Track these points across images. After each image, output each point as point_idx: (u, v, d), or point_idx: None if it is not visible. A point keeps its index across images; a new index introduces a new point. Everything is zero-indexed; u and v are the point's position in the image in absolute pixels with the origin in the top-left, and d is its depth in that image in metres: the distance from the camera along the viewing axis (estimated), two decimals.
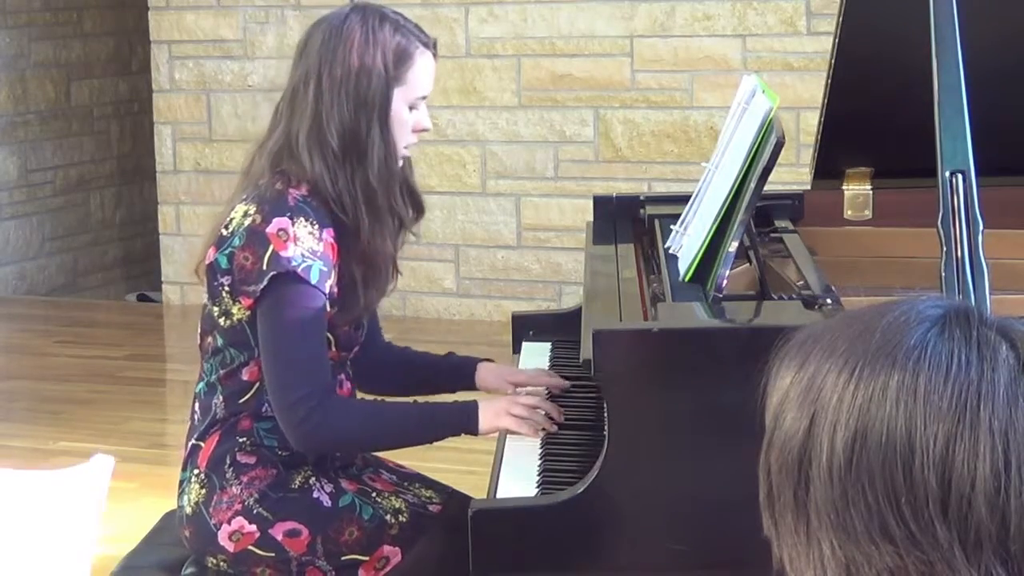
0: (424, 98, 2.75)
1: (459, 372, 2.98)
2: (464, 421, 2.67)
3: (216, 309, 2.69)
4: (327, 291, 2.63)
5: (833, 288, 2.56)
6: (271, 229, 2.60)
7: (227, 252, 2.64)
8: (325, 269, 2.62)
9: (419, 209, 2.85)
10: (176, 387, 6.03)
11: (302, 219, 2.62)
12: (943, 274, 2.30)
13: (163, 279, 7.76)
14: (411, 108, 2.73)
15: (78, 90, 8.60)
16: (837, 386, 1.17)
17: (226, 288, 2.66)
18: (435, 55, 2.76)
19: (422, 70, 2.73)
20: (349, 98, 2.66)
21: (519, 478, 2.52)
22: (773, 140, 2.47)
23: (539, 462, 2.59)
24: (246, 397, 2.70)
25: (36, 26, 8.32)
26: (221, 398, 2.72)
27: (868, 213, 3.25)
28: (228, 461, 2.69)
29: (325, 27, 2.71)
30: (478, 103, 6.99)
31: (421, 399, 2.80)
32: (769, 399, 1.24)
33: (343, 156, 2.66)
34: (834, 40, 3.02)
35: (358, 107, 2.67)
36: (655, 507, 2.33)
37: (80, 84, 8.61)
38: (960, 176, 2.34)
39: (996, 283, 2.35)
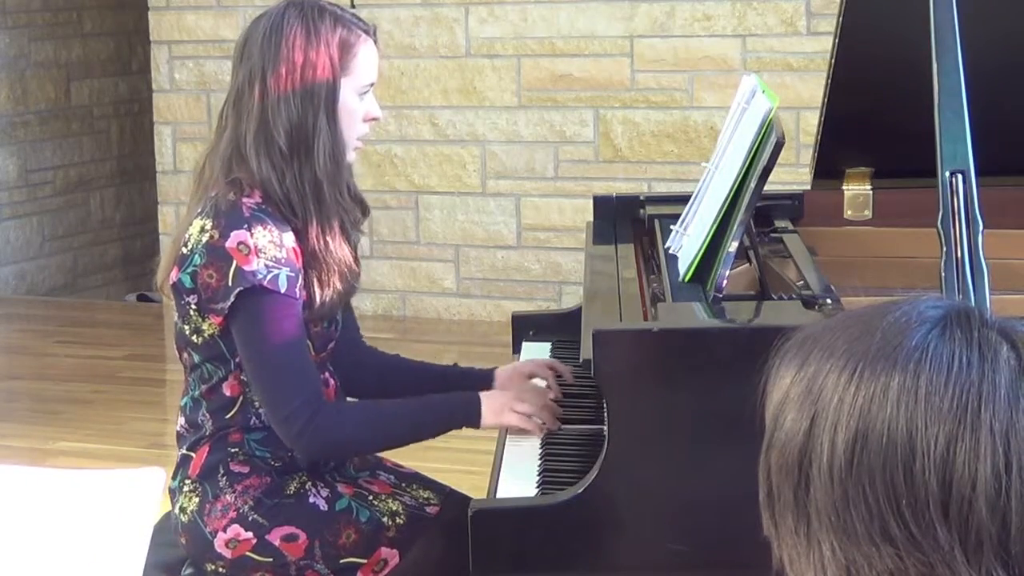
0: (371, 86, 2.72)
1: (473, 381, 2.87)
2: (467, 414, 2.65)
3: (187, 327, 2.66)
4: (298, 295, 2.60)
5: (833, 288, 2.56)
6: (230, 244, 2.56)
7: (189, 271, 2.60)
8: (292, 274, 2.58)
9: (364, 209, 2.82)
10: (176, 387, 5.98)
11: (259, 228, 2.57)
12: (943, 274, 2.30)
13: None
14: (360, 98, 2.71)
15: (78, 90, 8.60)
16: (838, 387, 1.17)
17: (193, 307, 2.62)
18: (376, 42, 2.73)
19: (366, 58, 2.69)
20: (295, 94, 2.62)
21: (519, 478, 2.52)
22: (773, 140, 2.47)
23: (539, 462, 2.58)
24: (232, 412, 2.68)
25: (36, 26, 8.32)
26: (207, 414, 2.70)
27: (868, 213, 3.24)
28: (221, 471, 2.67)
29: (264, 25, 2.67)
30: (478, 103, 6.99)
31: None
32: (769, 399, 1.24)
33: (290, 153, 2.62)
34: (834, 40, 3.02)
35: (304, 102, 2.62)
36: (655, 507, 2.33)
37: (80, 84, 8.61)
38: (960, 176, 2.34)
39: (996, 283, 2.35)
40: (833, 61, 3.03)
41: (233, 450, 2.68)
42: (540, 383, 2.87)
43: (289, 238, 2.61)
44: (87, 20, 8.65)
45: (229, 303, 2.56)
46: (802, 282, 2.64)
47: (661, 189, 6.49)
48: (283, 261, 2.58)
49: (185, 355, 2.72)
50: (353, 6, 2.77)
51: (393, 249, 7.14)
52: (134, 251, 8.95)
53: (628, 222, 3.29)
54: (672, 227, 2.84)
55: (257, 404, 2.66)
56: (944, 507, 1.12)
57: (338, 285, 2.68)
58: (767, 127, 2.53)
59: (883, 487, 1.13)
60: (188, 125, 7.51)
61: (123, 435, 5.42)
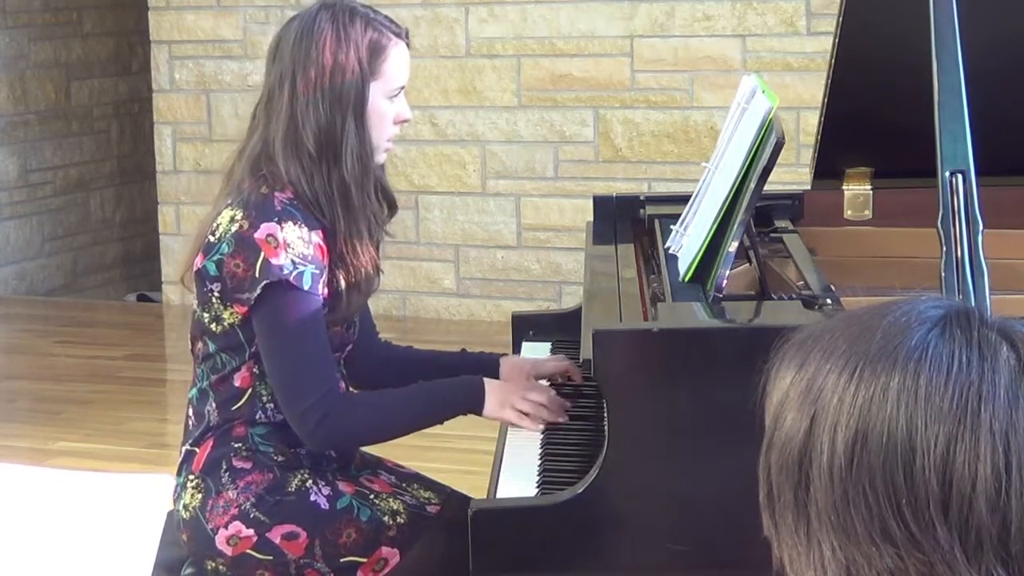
0: (402, 88, 2.74)
1: (482, 369, 2.89)
2: (471, 400, 2.67)
3: (206, 315, 2.68)
4: (321, 293, 2.63)
5: (833, 288, 2.56)
6: (260, 235, 2.59)
7: (215, 259, 2.63)
8: (317, 272, 2.61)
9: (392, 206, 2.83)
10: (176, 387, 6.03)
11: (290, 223, 2.60)
12: (943, 274, 2.30)
13: (163, 279, 7.77)
14: (390, 100, 2.71)
15: (78, 90, 8.60)
16: (838, 387, 1.17)
17: (216, 294, 2.64)
18: (408, 44, 2.74)
19: (397, 61, 2.70)
20: (324, 98, 2.64)
21: (519, 478, 2.52)
22: (773, 140, 2.47)
23: (539, 462, 2.58)
24: (239, 404, 2.69)
25: (36, 26, 8.32)
26: (214, 405, 2.71)
27: (868, 213, 3.25)
28: (224, 466, 2.68)
29: (296, 28, 2.69)
30: (478, 103, 6.99)
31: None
32: (769, 399, 1.24)
33: (319, 157, 2.64)
34: (834, 40, 3.02)
35: (333, 105, 2.64)
36: (655, 507, 2.33)
37: (80, 84, 8.61)
38: (960, 176, 2.34)
39: (996, 283, 2.35)
40: (833, 61, 3.03)
41: (237, 445, 2.69)
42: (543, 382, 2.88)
43: (317, 235, 2.63)
44: (87, 20, 8.65)
45: (255, 294, 2.59)
46: (802, 282, 2.64)
47: (661, 189, 6.49)
48: (309, 258, 2.60)
49: (200, 344, 2.73)
50: None
51: (393, 249, 7.13)
52: (134, 251, 8.95)
53: (628, 222, 3.29)
54: (672, 227, 2.84)
55: (265, 398, 2.68)
56: (944, 507, 1.12)
57: (362, 287, 2.71)
58: (767, 127, 2.53)
59: (883, 487, 1.13)
60: (188, 125, 7.51)
61: (123, 435, 5.42)
